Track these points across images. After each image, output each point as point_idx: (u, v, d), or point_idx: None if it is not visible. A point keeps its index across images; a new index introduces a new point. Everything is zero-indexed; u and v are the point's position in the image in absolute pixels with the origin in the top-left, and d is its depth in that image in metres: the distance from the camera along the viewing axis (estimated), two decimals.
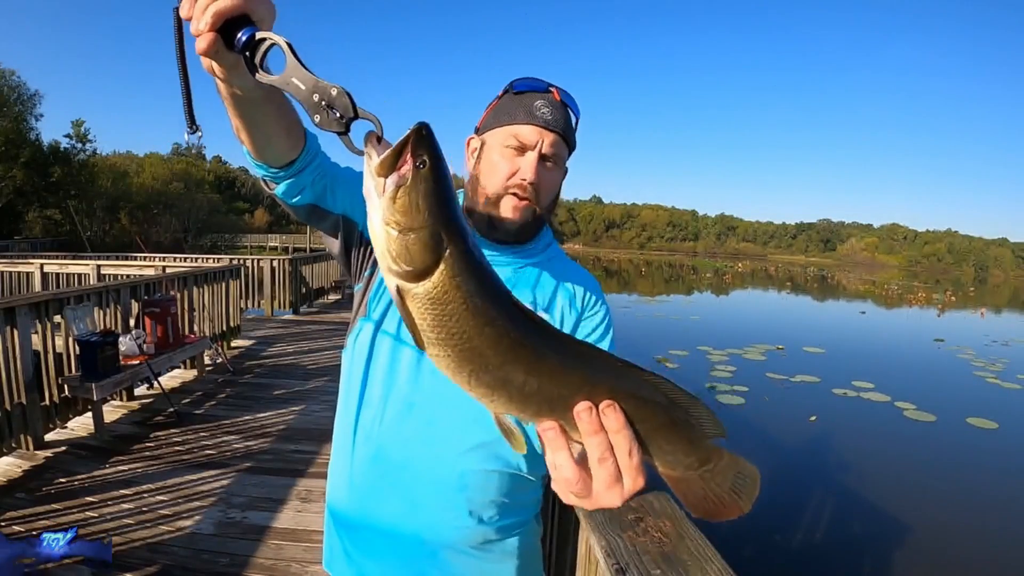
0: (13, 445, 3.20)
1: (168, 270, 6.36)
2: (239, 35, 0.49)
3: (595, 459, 0.44)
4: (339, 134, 0.48)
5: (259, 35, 0.49)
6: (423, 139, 0.43)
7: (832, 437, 6.43)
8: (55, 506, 2.65)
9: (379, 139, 0.46)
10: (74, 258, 9.82)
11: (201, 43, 0.48)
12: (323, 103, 0.48)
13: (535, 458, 0.88)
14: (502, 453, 0.87)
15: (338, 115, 0.48)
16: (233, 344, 6.19)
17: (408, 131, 0.44)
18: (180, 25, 0.53)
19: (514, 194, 0.85)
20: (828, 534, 4.28)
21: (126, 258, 10.44)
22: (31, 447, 3.25)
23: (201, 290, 5.56)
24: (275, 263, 8.83)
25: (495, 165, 0.87)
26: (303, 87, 0.48)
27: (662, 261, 66.71)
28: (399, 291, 0.44)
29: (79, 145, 29.38)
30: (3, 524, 2.46)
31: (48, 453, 3.26)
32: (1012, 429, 7.03)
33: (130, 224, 29.86)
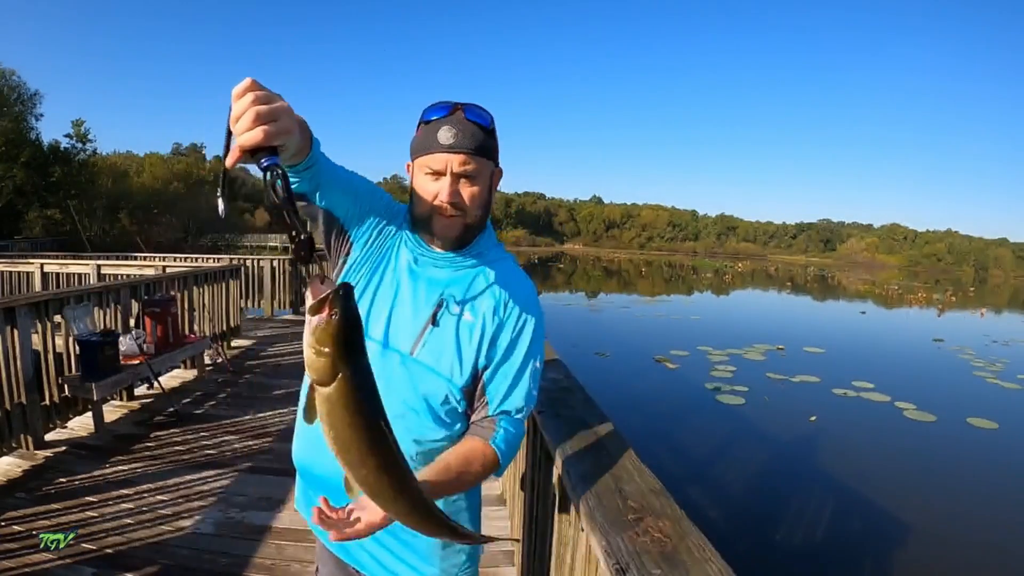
0: (13, 445, 3.20)
1: (168, 270, 6.37)
2: (263, 162, 0.65)
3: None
4: (300, 263, 0.69)
5: (275, 167, 0.65)
6: (339, 298, 0.63)
7: (832, 437, 6.43)
8: (55, 506, 2.65)
9: (322, 280, 0.67)
10: (74, 258, 9.82)
11: (229, 160, 0.68)
12: (296, 238, 0.65)
13: (451, 436, 1.03)
14: (412, 423, 1.00)
15: (301, 253, 0.67)
16: (233, 344, 6.19)
17: (332, 288, 0.63)
18: (229, 136, 0.69)
19: (439, 213, 0.97)
20: (828, 534, 4.28)
21: (126, 258, 10.43)
22: (31, 447, 3.25)
23: (201, 290, 5.56)
24: (275, 263, 8.83)
25: (420, 190, 0.99)
26: (287, 222, 0.65)
27: (662, 261, 66.69)
28: (311, 384, 0.66)
29: (79, 145, 29.33)
30: (3, 524, 2.46)
31: (48, 453, 3.26)
32: (1012, 429, 7.03)
33: (130, 224, 29.87)
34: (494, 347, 1.01)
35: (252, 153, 0.65)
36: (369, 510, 0.81)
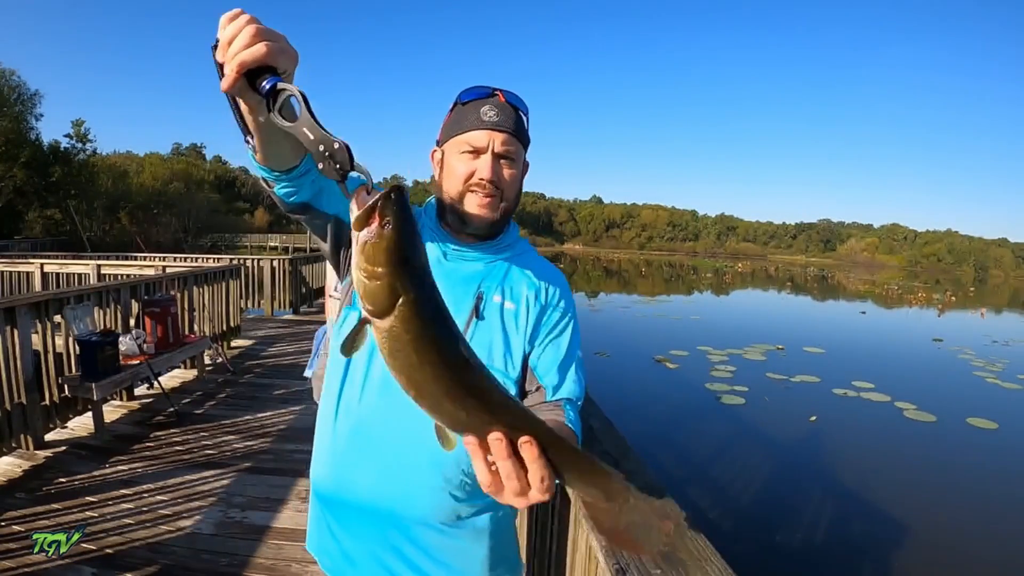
0: (13, 445, 3.20)
1: (168, 270, 6.37)
2: (262, 83, 0.56)
3: (504, 476, 0.53)
4: (337, 182, 0.57)
5: (280, 85, 0.56)
6: (390, 203, 0.51)
7: (832, 437, 6.43)
8: (55, 506, 2.65)
9: (368, 191, 0.55)
10: (74, 258, 9.83)
11: (224, 83, 0.56)
12: (327, 154, 0.56)
13: None
14: None
15: (337, 166, 0.56)
16: (233, 344, 6.19)
17: (380, 193, 0.52)
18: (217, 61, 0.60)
19: (475, 192, 0.92)
20: (828, 534, 4.28)
21: (126, 258, 10.43)
22: (31, 447, 3.25)
23: (201, 290, 5.56)
24: (275, 263, 8.83)
25: (453, 170, 0.94)
26: (311, 137, 0.56)
27: (662, 261, 66.70)
28: (363, 320, 0.54)
29: (79, 145, 29.35)
30: (3, 524, 2.46)
31: (48, 453, 3.26)
32: (1012, 429, 7.03)
33: (130, 224, 29.86)
34: (538, 333, 0.96)
35: (251, 76, 0.56)
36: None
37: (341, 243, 0.95)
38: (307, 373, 2.50)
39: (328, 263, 1.04)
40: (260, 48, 0.55)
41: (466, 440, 0.53)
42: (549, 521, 1.49)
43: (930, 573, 4.01)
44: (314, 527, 1.03)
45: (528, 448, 0.51)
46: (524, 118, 0.96)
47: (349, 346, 0.55)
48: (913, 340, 14.43)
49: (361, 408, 0.93)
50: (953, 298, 31.11)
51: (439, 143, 1.00)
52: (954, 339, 14.12)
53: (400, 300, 0.50)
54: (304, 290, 9.44)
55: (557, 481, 0.54)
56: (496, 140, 0.91)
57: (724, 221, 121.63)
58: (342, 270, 0.98)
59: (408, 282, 0.51)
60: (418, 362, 0.51)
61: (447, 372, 0.52)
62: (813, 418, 6.91)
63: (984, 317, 22.14)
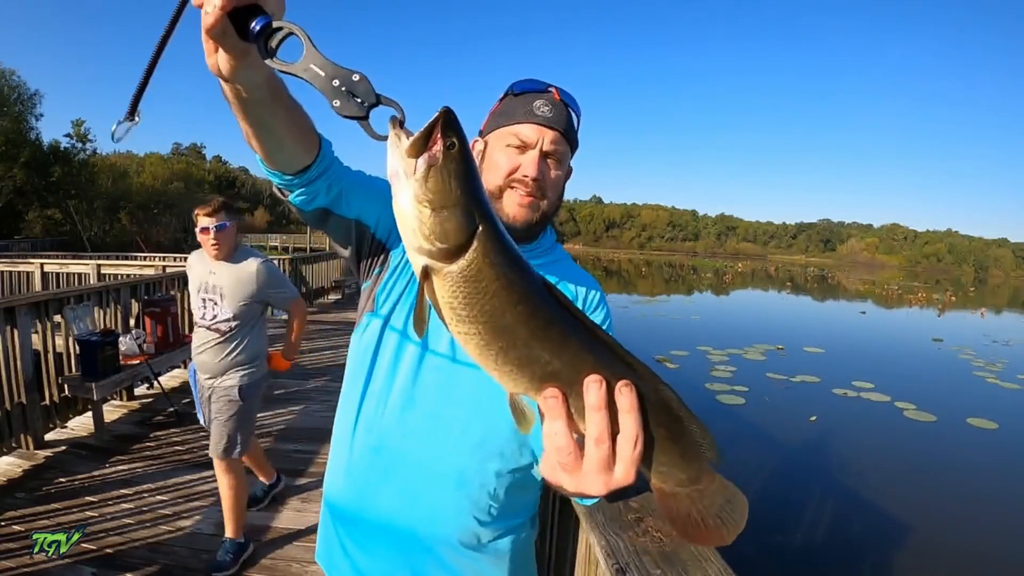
0: (13, 445, 3.20)
1: (168, 270, 6.36)
2: (253, 23, 0.47)
3: (592, 437, 0.42)
4: (359, 119, 0.48)
5: (275, 24, 0.48)
6: (451, 121, 0.44)
7: (832, 437, 6.43)
8: (55, 506, 2.65)
9: (401, 124, 0.46)
10: (74, 258, 9.83)
11: (208, 19, 0.46)
12: (343, 89, 0.47)
13: (536, 461, 0.90)
14: (503, 452, 0.87)
15: (359, 100, 0.47)
16: None
17: (435, 114, 0.44)
18: (181, 7, 0.51)
19: (516, 188, 0.86)
20: (828, 534, 4.28)
21: (126, 258, 10.44)
22: (31, 447, 3.25)
23: None
24: (275, 263, 8.82)
25: (497, 162, 0.87)
26: (322, 74, 0.47)
27: (662, 261, 66.69)
28: (428, 270, 0.44)
29: (79, 145, 29.35)
30: (3, 524, 2.46)
31: (48, 453, 3.26)
32: (1012, 429, 7.03)
33: (130, 224, 29.84)
34: None
35: (237, 14, 0.47)
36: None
37: (363, 250, 0.91)
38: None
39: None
40: None
41: (547, 395, 0.43)
42: (549, 521, 1.49)
43: (930, 573, 4.01)
44: (325, 540, 0.98)
45: (626, 394, 0.41)
46: (576, 119, 0.92)
47: (420, 321, 0.46)
48: (913, 340, 14.43)
49: (383, 424, 0.88)
50: (953, 298, 31.11)
51: (482, 133, 0.94)
52: (954, 339, 14.11)
53: (479, 229, 0.43)
54: (304, 290, 9.43)
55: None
56: (546, 137, 0.85)
57: (724, 221, 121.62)
58: (364, 270, 0.94)
59: (484, 207, 0.44)
60: (507, 299, 0.43)
61: (540, 306, 0.43)
62: (813, 418, 6.90)
63: (984, 317, 22.13)
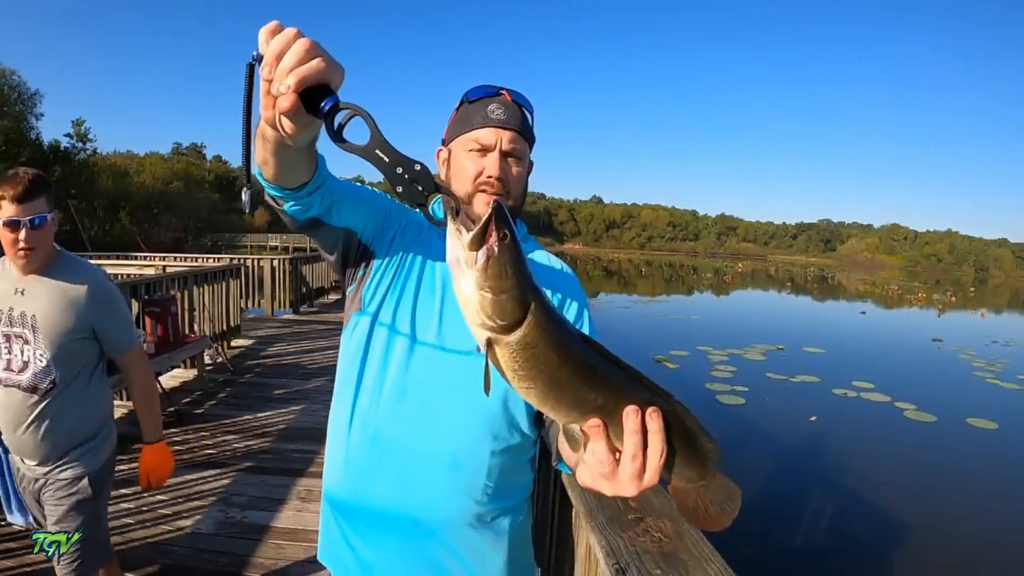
0: None
1: (168, 270, 6.37)
2: (323, 103, 0.52)
3: (629, 455, 0.52)
4: (419, 206, 0.56)
5: (342, 104, 0.53)
6: (502, 217, 0.51)
7: (832, 437, 6.43)
8: None
9: (457, 213, 0.54)
10: None
11: (284, 103, 0.51)
12: (406, 177, 0.55)
13: (525, 442, 0.96)
14: (496, 433, 0.91)
15: (420, 189, 0.56)
16: (233, 344, 6.19)
17: (489, 211, 0.51)
18: (251, 80, 0.55)
19: (483, 191, 0.91)
20: (828, 534, 4.28)
21: (126, 258, 10.43)
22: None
23: (201, 290, 5.56)
24: (275, 263, 8.83)
25: (462, 168, 0.93)
26: (387, 160, 0.55)
27: (662, 261, 66.72)
28: (490, 342, 0.52)
29: (79, 144, 29.38)
30: (3, 524, 2.46)
31: None
32: (1012, 429, 7.03)
33: (130, 224, 29.88)
34: None
35: (310, 98, 0.52)
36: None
37: (349, 256, 0.95)
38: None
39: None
40: (319, 62, 0.50)
41: (591, 423, 0.53)
42: (549, 521, 1.49)
43: (930, 573, 4.01)
44: (327, 537, 1.01)
45: (655, 419, 0.52)
46: (529, 116, 0.97)
47: (488, 383, 0.54)
48: (913, 340, 14.43)
49: (378, 416, 0.92)
50: (953, 298, 31.11)
51: (445, 142, 0.99)
52: (954, 339, 14.11)
53: (532, 306, 0.51)
54: (304, 290, 9.44)
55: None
56: (503, 138, 0.91)
57: (724, 221, 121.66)
58: (349, 274, 0.98)
59: (534, 287, 0.52)
60: (559, 360, 0.52)
61: (584, 360, 0.53)
62: (813, 418, 6.91)
63: (984, 317, 22.14)
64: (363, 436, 0.92)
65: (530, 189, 1.04)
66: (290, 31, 0.52)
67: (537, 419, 0.96)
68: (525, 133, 0.95)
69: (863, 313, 21.35)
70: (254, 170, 0.73)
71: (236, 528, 2.56)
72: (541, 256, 1.04)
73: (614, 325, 14.49)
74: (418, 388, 0.90)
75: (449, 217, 0.53)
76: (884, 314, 22.25)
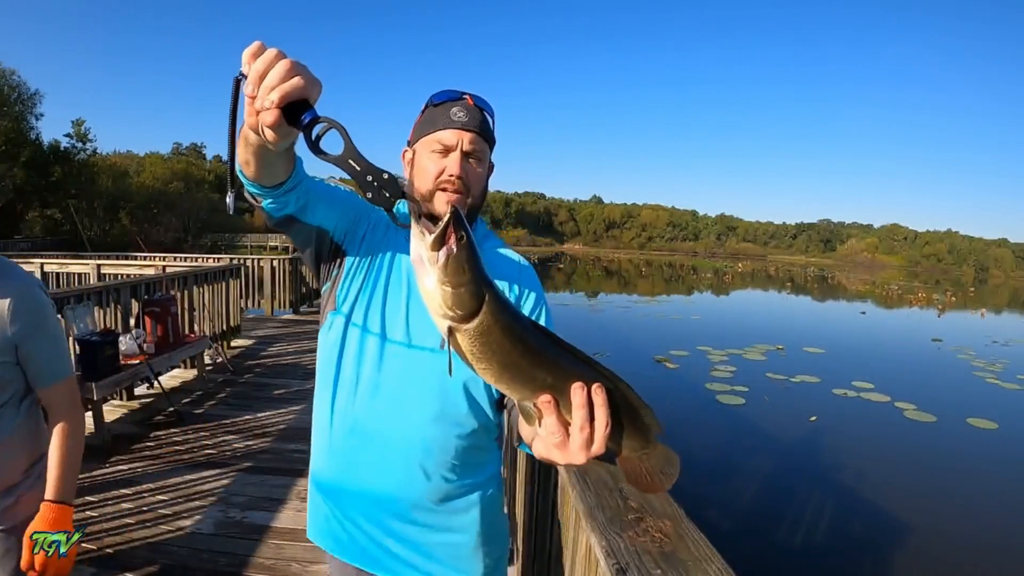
0: None
1: (168, 270, 6.36)
2: (303, 116, 0.59)
3: (576, 426, 0.58)
4: (386, 209, 0.63)
5: (321, 118, 0.59)
6: (459, 220, 0.57)
7: (832, 437, 6.43)
8: None
9: (419, 216, 0.61)
10: (74, 257, 9.82)
11: (268, 117, 0.57)
12: (375, 184, 0.62)
13: (489, 424, 1.05)
14: (459, 421, 1.00)
15: (387, 195, 0.63)
16: (233, 344, 6.19)
17: (447, 215, 0.57)
18: (236, 95, 0.60)
19: (444, 189, 0.97)
20: (828, 534, 4.28)
21: (126, 258, 10.43)
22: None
23: (201, 290, 5.56)
24: (275, 263, 8.83)
25: (425, 167, 0.99)
26: (358, 168, 0.61)
27: (662, 261, 66.73)
28: (451, 330, 0.58)
29: (79, 144, 29.37)
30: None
31: None
32: (1012, 429, 7.03)
33: (130, 224, 29.85)
34: None
35: (290, 111, 0.58)
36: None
37: (322, 254, 1.02)
38: None
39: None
40: (298, 80, 0.56)
41: (543, 399, 0.59)
42: (548, 521, 1.49)
43: (930, 573, 4.01)
44: (314, 516, 1.10)
45: (599, 394, 0.57)
46: (490, 120, 1.02)
47: (451, 366, 0.61)
48: (913, 340, 14.44)
49: (355, 410, 1.00)
50: (953, 298, 31.12)
51: (410, 143, 1.05)
52: (954, 339, 14.12)
53: (487, 298, 0.57)
54: (304, 290, 9.43)
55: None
56: (464, 139, 0.97)
57: (724, 221, 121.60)
58: (323, 273, 1.05)
59: (487, 281, 0.58)
60: (511, 344, 0.58)
61: (534, 343, 0.59)
62: (813, 418, 6.91)
63: (984, 317, 22.15)
64: (343, 426, 1.01)
65: (530, 188, 1.07)
66: (271, 51, 0.57)
67: (499, 404, 1.04)
68: (486, 135, 1.00)
69: (863, 313, 21.36)
70: (237, 169, 0.77)
71: (236, 528, 2.56)
72: (505, 252, 1.10)
73: (614, 325, 14.49)
74: (389, 383, 0.98)
75: (413, 220, 0.60)
76: (884, 314, 22.26)
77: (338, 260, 1.02)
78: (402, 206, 1.09)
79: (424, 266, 0.58)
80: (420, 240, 0.58)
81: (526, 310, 1.05)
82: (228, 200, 0.72)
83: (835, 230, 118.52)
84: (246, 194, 0.85)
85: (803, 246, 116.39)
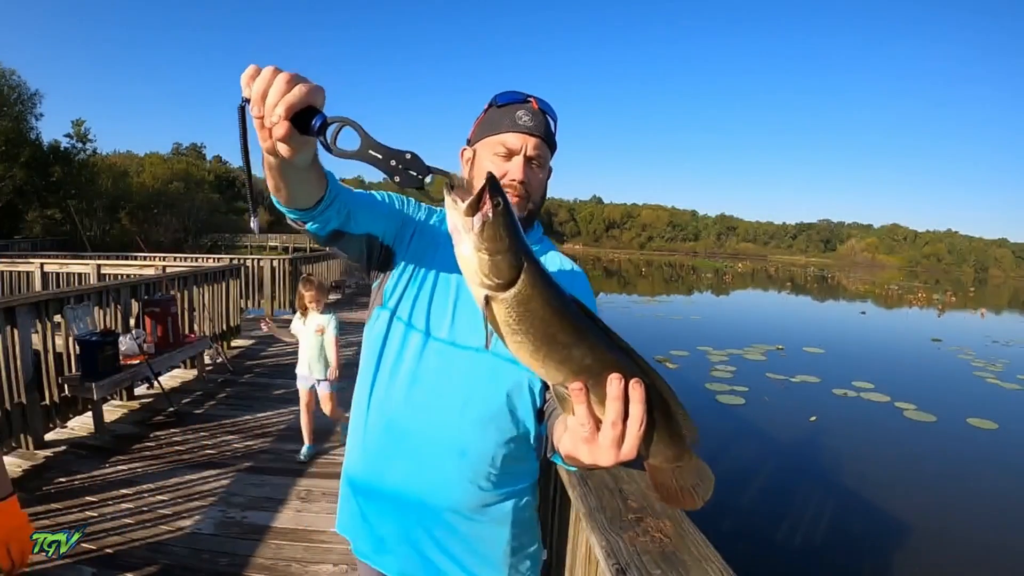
0: (13, 445, 3.20)
1: (168, 270, 6.36)
2: (313, 121, 0.58)
3: (609, 421, 0.53)
4: (418, 189, 0.62)
5: (330, 119, 0.59)
6: (496, 185, 0.56)
7: (832, 437, 6.43)
8: (55, 506, 2.65)
9: (453, 188, 0.58)
10: (74, 257, 9.81)
11: (279, 131, 0.57)
12: (400, 167, 0.61)
13: (527, 435, 1.00)
14: (500, 425, 0.96)
15: (415, 174, 0.61)
16: (233, 344, 6.18)
17: (484, 181, 0.56)
18: (244, 121, 0.61)
19: (506, 193, 0.92)
20: (828, 534, 4.28)
21: (126, 258, 10.42)
22: (31, 447, 3.25)
23: (201, 290, 5.55)
24: (275, 263, 8.83)
25: (486, 170, 0.96)
26: (380, 157, 0.61)
27: (662, 261, 66.71)
28: (488, 299, 0.56)
29: (79, 145, 29.35)
30: None
31: (48, 453, 3.26)
32: (1012, 429, 7.03)
33: (130, 224, 29.84)
34: None
35: (300, 121, 0.58)
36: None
37: (373, 258, 1.01)
38: None
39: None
40: (300, 89, 0.56)
41: (574, 387, 0.55)
42: (549, 521, 1.49)
43: (930, 573, 4.01)
44: (345, 511, 1.08)
45: (637, 388, 0.53)
46: (553, 124, 1.01)
47: (488, 339, 0.58)
48: (913, 340, 14.43)
49: (391, 403, 0.98)
50: (953, 298, 31.10)
51: (470, 142, 1.04)
52: (954, 339, 14.11)
53: (525, 264, 0.55)
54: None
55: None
56: (529, 144, 0.95)
57: (724, 221, 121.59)
58: (374, 272, 1.05)
59: (527, 248, 0.56)
60: (550, 316, 0.55)
61: (574, 318, 0.56)
62: (813, 418, 6.91)
63: (984, 317, 22.13)
64: (379, 422, 0.99)
65: None
66: (268, 70, 0.57)
67: (539, 414, 0.99)
68: (549, 140, 0.99)
69: (863, 313, 21.35)
70: (273, 200, 0.78)
71: (236, 528, 2.56)
72: (554, 257, 1.08)
73: (614, 325, 14.35)
74: (428, 377, 0.96)
75: (446, 192, 0.58)
76: (884, 314, 22.25)
77: (388, 261, 1.02)
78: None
79: (460, 234, 0.57)
80: (454, 208, 0.57)
81: None
82: (252, 224, 0.73)
83: (835, 230, 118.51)
84: (290, 222, 0.85)
85: (803, 246, 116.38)
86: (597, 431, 0.55)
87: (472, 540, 0.99)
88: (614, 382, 0.53)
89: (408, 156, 0.60)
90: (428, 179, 0.62)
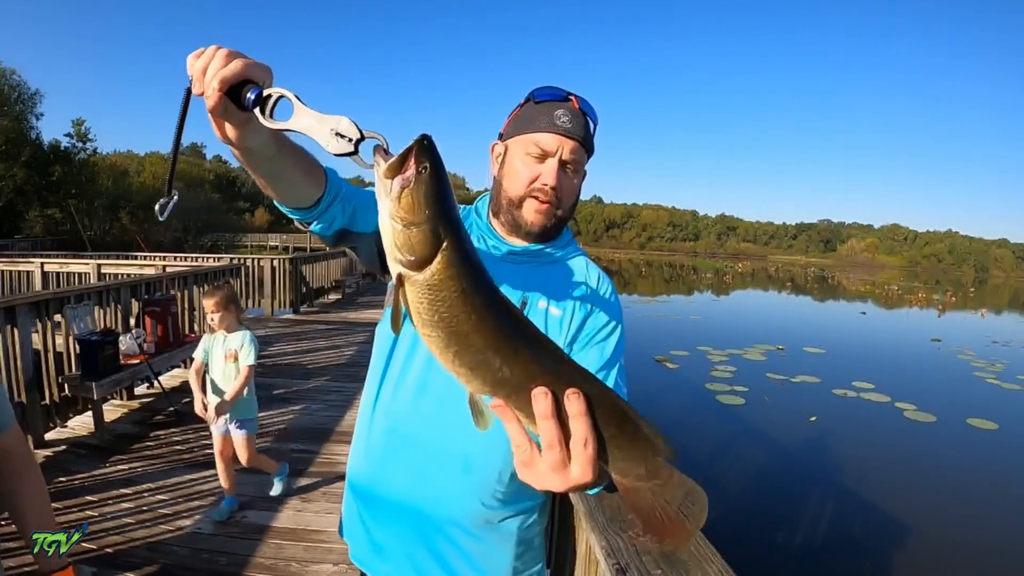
0: None
1: (168, 269, 6.36)
2: (247, 94, 0.56)
3: (544, 443, 0.45)
4: (350, 155, 0.55)
5: (266, 92, 0.56)
6: (424, 148, 0.49)
7: (832, 437, 6.42)
8: (55, 505, 2.64)
9: (386, 151, 0.52)
10: (74, 257, 9.82)
11: (209, 102, 0.55)
12: (334, 132, 0.56)
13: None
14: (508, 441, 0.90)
15: (347, 139, 0.55)
16: None
17: (412, 141, 0.50)
18: (187, 102, 0.59)
19: (535, 197, 0.90)
20: (828, 534, 4.28)
21: (126, 257, 10.43)
22: (31, 446, 3.25)
23: (201, 289, 5.55)
24: (275, 262, 8.82)
25: (517, 171, 0.91)
26: (313, 123, 0.56)
27: (662, 261, 66.72)
28: (400, 277, 0.49)
29: (79, 144, 29.30)
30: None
31: (48, 452, 3.26)
32: (1012, 429, 7.03)
33: (130, 223, 29.80)
34: (580, 337, 0.93)
35: (233, 92, 0.56)
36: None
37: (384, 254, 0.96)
38: None
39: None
40: (237, 64, 0.55)
41: (497, 403, 0.47)
42: (549, 521, 1.49)
43: (930, 573, 4.01)
44: (347, 515, 1.05)
45: (574, 401, 0.43)
46: (593, 127, 0.94)
47: (396, 319, 0.51)
48: (913, 340, 14.42)
49: (396, 408, 0.94)
50: (953, 298, 31.10)
51: (502, 137, 0.97)
52: (954, 339, 14.11)
53: (443, 244, 0.48)
54: (304, 290, 9.43)
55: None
56: (566, 147, 0.89)
57: (724, 221, 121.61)
58: (387, 276, 1.00)
59: (450, 225, 0.49)
60: (463, 309, 0.47)
61: (494, 318, 0.47)
62: (813, 418, 6.90)
63: (984, 317, 22.13)
64: (383, 425, 0.95)
65: None
66: (210, 48, 0.56)
67: None
68: (587, 144, 0.92)
69: (863, 313, 21.34)
70: (275, 202, 0.76)
71: (236, 528, 2.56)
72: (578, 263, 1.00)
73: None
74: (438, 386, 0.91)
75: (374, 153, 0.53)
76: (884, 314, 22.24)
77: None
78: (481, 205, 1.03)
79: (381, 198, 0.50)
80: (378, 169, 0.51)
81: (593, 330, 0.94)
82: (156, 208, 0.68)
83: (835, 230, 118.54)
84: (296, 224, 0.83)
85: (803, 246, 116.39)
86: (535, 453, 0.47)
87: (473, 556, 0.95)
88: (540, 398, 0.44)
89: (342, 121, 0.55)
90: (363, 145, 0.56)
